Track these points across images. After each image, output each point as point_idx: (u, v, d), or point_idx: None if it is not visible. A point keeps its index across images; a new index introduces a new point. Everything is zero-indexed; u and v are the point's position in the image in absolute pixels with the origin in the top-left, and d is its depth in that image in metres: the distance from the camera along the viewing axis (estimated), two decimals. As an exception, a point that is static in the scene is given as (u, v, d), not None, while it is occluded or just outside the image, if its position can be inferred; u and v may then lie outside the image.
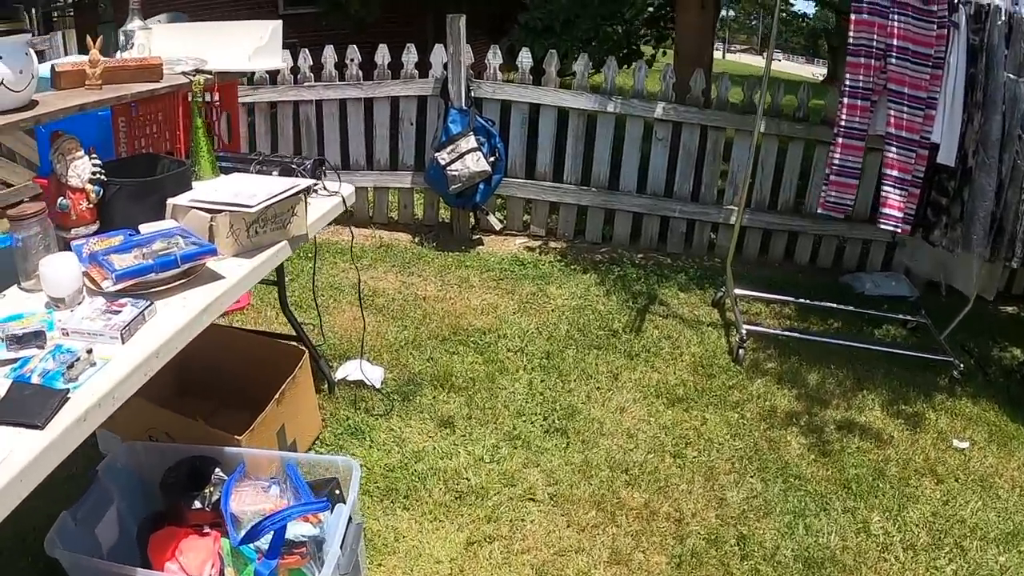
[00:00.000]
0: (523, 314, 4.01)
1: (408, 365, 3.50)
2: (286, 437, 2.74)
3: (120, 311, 1.88)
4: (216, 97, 3.05)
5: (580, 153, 4.90)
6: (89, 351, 1.70)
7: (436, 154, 4.65)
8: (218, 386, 2.92)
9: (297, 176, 2.77)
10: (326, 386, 3.29)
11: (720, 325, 4.08)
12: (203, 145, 2.63)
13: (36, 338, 1.75)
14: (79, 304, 1.98)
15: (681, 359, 3.71)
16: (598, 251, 4.98)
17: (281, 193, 2.31)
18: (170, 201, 2.31)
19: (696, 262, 4.90)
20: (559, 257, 4.80)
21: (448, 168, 4.59)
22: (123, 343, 1.78)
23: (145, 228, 2.24)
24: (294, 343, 3.21)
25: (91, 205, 2.31)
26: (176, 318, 1.91)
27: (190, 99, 2.65)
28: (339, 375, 3.36)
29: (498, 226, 5.04)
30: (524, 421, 3.17)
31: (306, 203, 2.44)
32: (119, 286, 1.93)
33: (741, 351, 3.70)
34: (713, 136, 4.78)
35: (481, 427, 3.12)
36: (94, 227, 2.34)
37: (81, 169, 2.25)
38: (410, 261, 4.64)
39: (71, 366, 1.63)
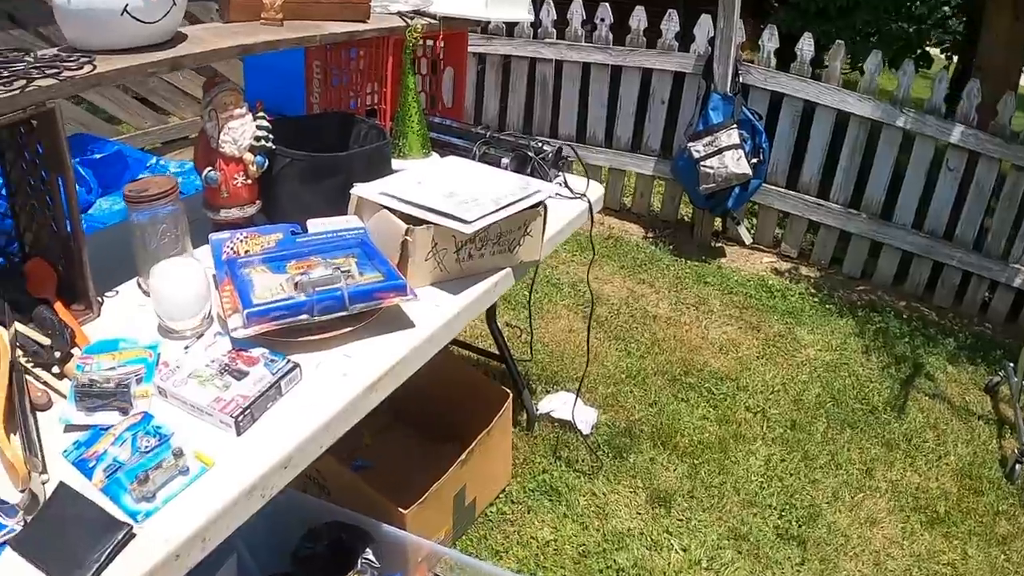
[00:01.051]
0: (768, 361, 3.27)
1: (627, 408, 2.87)
2: (464, 499, 2.20)
3: (247, 372, 1.35)
4: (439, 48, 2.49)
5: (855, 168, 4.03)
6: (179, 453, 1.16)
7: (689, 144, 3.94)
8: (426, 409, 2.40)
9: (532, 167, 2.17)
10: (524, 419, 2.72)
11: (993, 420, 3.15)
12: (413, 112, 2.07)
13: (118, 396, 1.26)
14: (199, 337, 1.48)
15: (945, 460, 2.85)
16: (855, 288, 4.09)
17: (513, 204, 1.70)
18: (356, 191, 1.77)
19: (965, 324, 3.90)
20: (812, 289, 3.97)
21: (702, 163, 3.87)
22: (238, 434, 1.25)
23: (316, 225, 1.72)
24: (495, 360, 2.67)
25: (249, 181, 1.81)
26: (329, 395, 1.35)
27: (404, 50, 2.07)
28: (543, 407, 2.78)
29: (748, 240, 4.27)
30: (756, 515, 2.47)
31: (545, 217, 1.82)
32: (250, 331, 1.40)
33: (1018, 467, 2.82)
34: (1014, 177, 3.77)
35: (703, 513, 2.45)
36: (251, 209, 1.86)
37: (239, 132, 1.75)
38: (642, 263, 3.97)
39: (145, 478, 1.11)
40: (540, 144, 2.26)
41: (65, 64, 1.43)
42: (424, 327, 1.54)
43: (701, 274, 3.85)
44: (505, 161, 2.15)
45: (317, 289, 1.43)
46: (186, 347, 1.46)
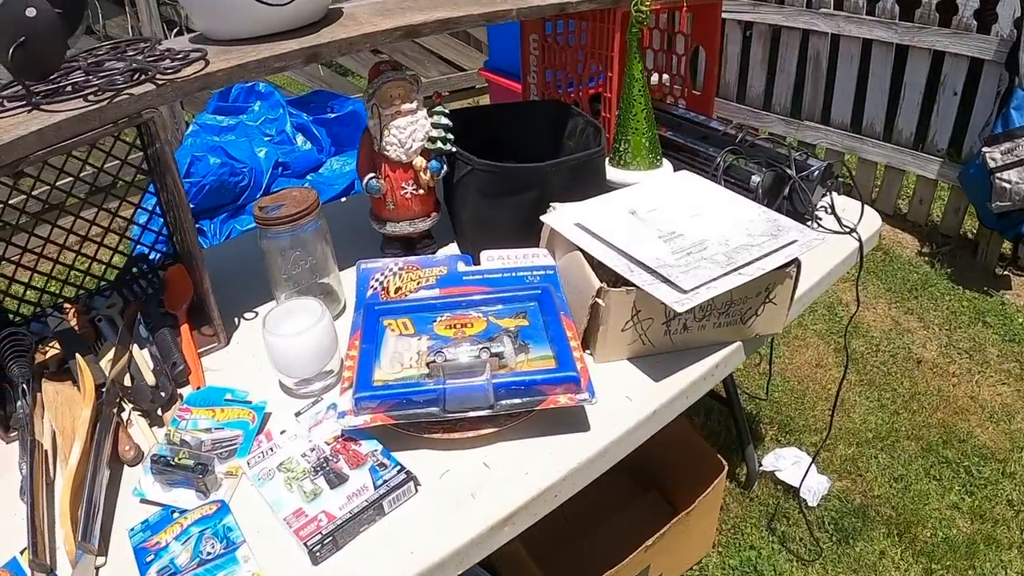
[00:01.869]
0: None
1: (866, 479, 2.36)
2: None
3: (346, 476, 1.08)
4: (682, 21, 2.04)
5: None
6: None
7: (985, 149, 3.25)
8: (642, 463, 2.04)
9: (792, 189, 1.71)
10: (744, 475, 2.30)
11: None
12: (639, 111, 1.64)
13: (199, 470, 1.05)
14: (317, 401, 1.22)
15: None
16: None
17: (754, 262, 1.27)
18: (547, 218, 1.41)
19: None
20: None
21: (997, 175, 3.18)
22: (314, 563, 0.97)
23: (491, 258, 1.39)
24: (721, 402, 2.27)
25: (421, 191, 1.51)
26: (447, 523, 1.03)
27: (629, 28, 1.63)
28: (768, 464, 2.34)
29: None
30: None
31: (796, 279, 1.38)
32: (358, 421, 1.11)
33: None
34: None
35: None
36: (426, 223, 1.59)
37: (407, 132, 1.45)
38: (912, 288, 3.35)
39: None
40: (804, 156, 1.79)
41: (168, 63, 1.18)
42: (602, 433, 1.16)
43: (980, 310, 3.19)
44: (756, 179, 1.69)
45: (452, 379, 1.09)
46: (298, 413, 1.20)
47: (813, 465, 2.29)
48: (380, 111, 1.47)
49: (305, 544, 0.95)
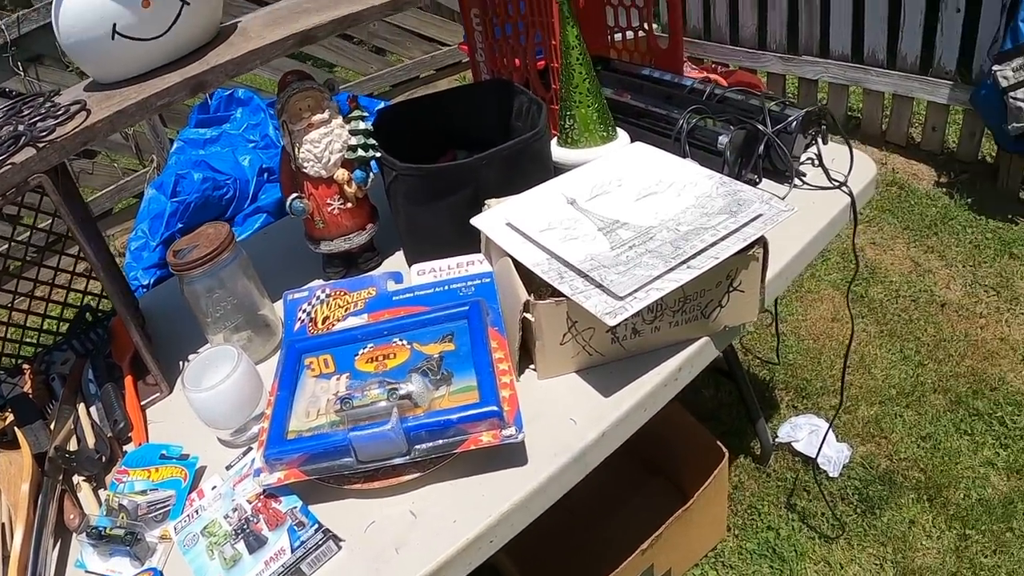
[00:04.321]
0: None
1: (891, 441, 2.21)
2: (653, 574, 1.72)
3: (264, 539, 1.00)
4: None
5: None
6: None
7: (995, 67, 3.03)
8: (649, 448, 1.95)
9: (768, 146, 1.56)
10: (758, 448, 2.16)
11: None
12: (579, 81, 1.49)
13: (129, 540, 1.03)
14: (248, 451, 1.16)
15: None
16: None
17: (707, 249, 1.12)
18: (478, 220, 1.28)
19: None
20: None
21: (1011, 94, 2.97)
22: None
23: (422, 272, 1.28)
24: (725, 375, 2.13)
25: (349, 205, 1.40)
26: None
27: None
28: (784, 435, 2.20)
29: None
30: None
31: (765, 259, 1.23)
32: (272, 479, 1.02)
33: None
34: None
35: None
36: (362, 236, 1.48)
37: (322, 146, 1.35)
38: (931, 223, 3.14)
39: None
40: (782, 105, 1.62)
41: (51, 122, 1.09)
42: (541, 466, 1.03)
43: (1007, 241, 2.98)
44: (723, 140, 1.52)
45: (359, 428, 0.98)
46: (228, 466, 1.12)
47: (831, 433, 2.14)
48: (290, 127, 1.35)
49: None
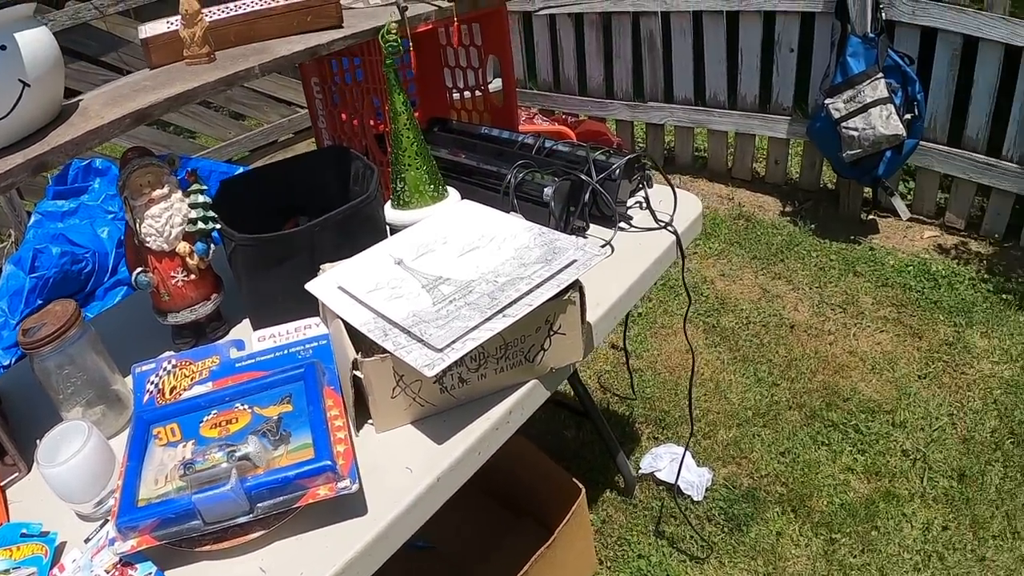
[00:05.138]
0: (932, 382, 2.57)
1: (751, 460, 2.32)
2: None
3: None
4: (457, 35, 1.98)
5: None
6: None
7: (827, 101, 3.26)
8: (512, 492, 2.03)
9: (593, 195, 1.66)
10: (621, 482, 2.24)
11: None
12: (408, 141, 1.55)
13: None
14: (105, 523, 1.14)
15: None
16: (1037, 268, 3.26)
17: (522, 298, 1.19)
18: (312, 285, 1.33)
19: None
20: (984, 273, 3.11)
21: (843, 124, 3.19)
22: None
23: (262, 338, 1.31)
24: (580, 414, 2.19)
25: (193, 276, 1.42)
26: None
27: (384, 59, 1.54)
28: (646, 466, 2.29)
29: (906, 214, 3.45)
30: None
31: (582, 302, 1.31)
32: (125, 546, 1.03)
33: None
34: None
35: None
36: (207, 307, 1.50)
37: (163, 220, 1.36)
38: (777, 250, 3.33)
39: None
40: (607, 154, 1.73)
41: None
42: (380, 514, 1.08)
43: (850, 261, 3.19)
44: (548, 191, 1.62)
45: (201, 491, 1.01)
46: (87, 539, 1.12)
47: (691, 458, 2.24)
48: (132, 203, 1.38)
49: None
